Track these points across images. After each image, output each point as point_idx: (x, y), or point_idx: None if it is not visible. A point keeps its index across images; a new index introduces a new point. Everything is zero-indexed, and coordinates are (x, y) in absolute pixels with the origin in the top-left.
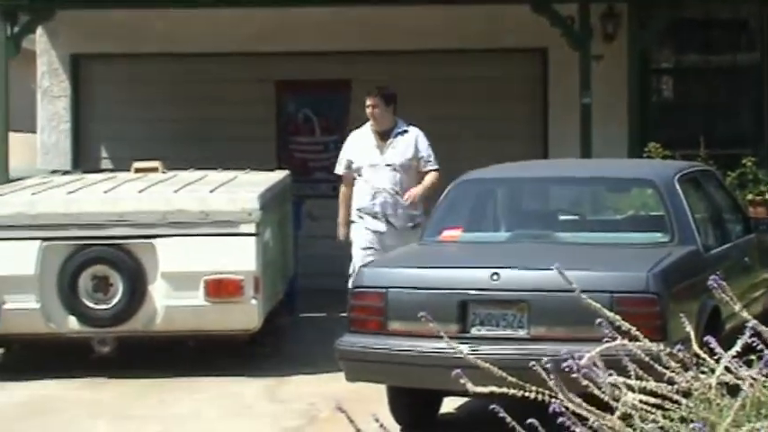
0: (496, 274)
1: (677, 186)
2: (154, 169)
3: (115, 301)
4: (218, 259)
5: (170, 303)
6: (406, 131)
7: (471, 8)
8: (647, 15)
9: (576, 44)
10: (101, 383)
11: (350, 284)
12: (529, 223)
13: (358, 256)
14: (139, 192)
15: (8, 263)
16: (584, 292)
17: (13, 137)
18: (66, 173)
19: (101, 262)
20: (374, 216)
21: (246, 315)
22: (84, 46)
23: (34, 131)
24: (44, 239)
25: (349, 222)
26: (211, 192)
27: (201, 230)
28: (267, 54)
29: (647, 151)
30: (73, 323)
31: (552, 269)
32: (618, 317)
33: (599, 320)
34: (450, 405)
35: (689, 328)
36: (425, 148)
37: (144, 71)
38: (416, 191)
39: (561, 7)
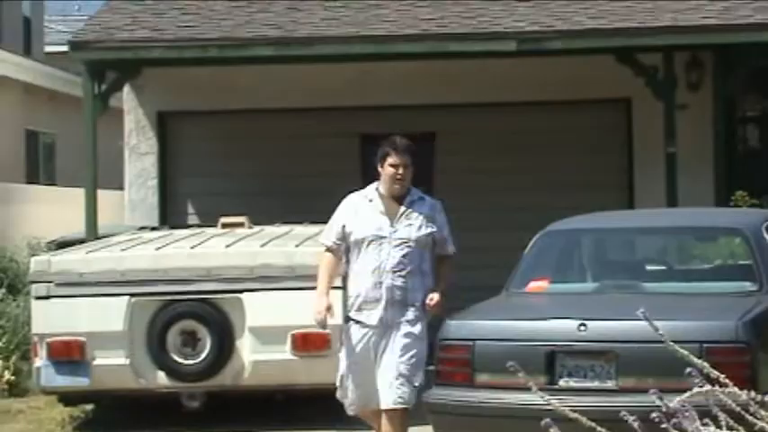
0: (584, 324)
1: (765, 234)
2: (240, 224)
3: (203, 355)
4: (305, 313)
5: (258, 358)
6: (422, 199)
7: (556, 60)
8: (732, 63)
9: (659, 94)
10: None
11: (337, 395)
12: (616, 273)
13: (347, 364)
14: (227, 246)
15: (98, 319)
16: (672, 342)
17: (102, 194)
18: (153, 229)
19: (189, 317)
20: (376, 302)
21: (334, 369)
22: (171, 103)
23: (122, 188)
24: (133, 295)
25: (346, 318)
26: (297, 246)
27: (288, 284)
28: (351, 108)
29: (734, 200)
30: (162, 378)
31: (639, 320)
32: (707, 364)
33: (689, 370)
34: None
35: None
36: (445, 224)
37: (229, 127)
38: (439, 296)
39: (645, 57)
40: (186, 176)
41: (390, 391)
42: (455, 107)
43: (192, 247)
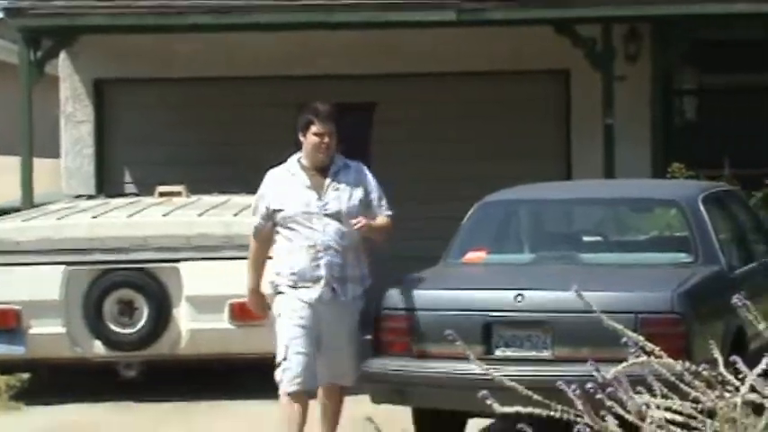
0: (520, 295)
1: (701, 206)
2: (177, 193)
3: (140, 324)
4: (242, 282)
5: (195, 327)
6: (347, 166)
7: (496, 30)
8: (670, 36)
9: (598, 65)
10: (126, 408)
11: (276, 377)
12: (553, 244)
13: (290, 335)
14: (163, 216)
15: (33, 288)
16: (608, 312)
17: (38, 162)
18: (90, 197)
19: (125, 286)
20: (315, 282)
21: (272, 338)
22: (108, 70)
23: (58, 157)
24: (69, 264)
25: (275, 291)
26: (235, 215)
27: (225, 254)
28: (291, 77)
29: (671, 172)
30: (98, 347)
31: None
32: (641, 337)
33: (624, 340)
34: (474, 426)
35: (714, 348)
36: (376, 189)
37: (166, 95)
38: (366, 222)
39: (583, 28)
40: (123, 145)
41: (335, 367)
42: (395, 77)
43: (128, 216)
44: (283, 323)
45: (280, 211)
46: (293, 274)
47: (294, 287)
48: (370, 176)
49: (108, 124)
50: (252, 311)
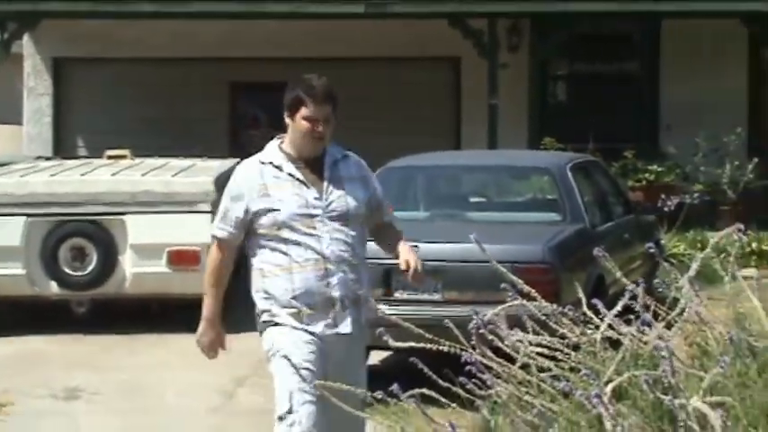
0: (416, 246)
1: (569, 174)
2: (124, 156)
3: (90, 268)
4: (179, 233)
5: (138, 270)
6: (346, 158)
7: (399, 22)
8: (547, 30)
9: (485, 54)
10: (78, 339)
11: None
12: (444, 204)
13: (295, 380)
14: (112, 175)
15: None
16: (490, 263)
17: (3, 128)
18: (48, 159)
19: (78, 235)
20: (327, 306)
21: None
22: (65, 51)
23: (21, 124)
24: (29, 215)
25: (269, 322)
26: (174, 176)
27: (165, 208)
28: (222, 59)
29: (544, 145)
30: (54, 287)
31: (463, 243)
32: (520, 281)
33: (503, 285)
34: (375, 358)
35: (578, 292)
36: (378, 184)
37: (116, 73)
38: (417, 260)
39: (473, 22)
40: (77, 114)
41: (340, 424)
42: (314, 60)
43: (81, 175)
44: (283, 365)
45: (268, 213)
46: (295, 298)
47: (297, 316)
48: (370, 170)
49: (64, 97)
50: (186, 258)
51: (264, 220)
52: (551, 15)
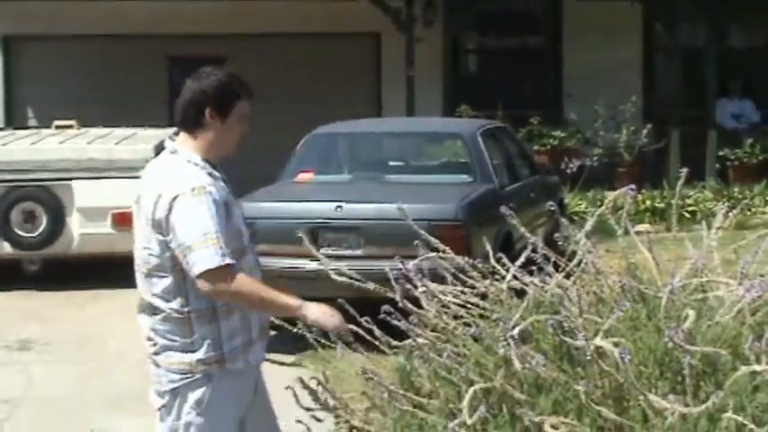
0: (340, 206)
1: (479, 139)
2: (70, 126)
3: (41, 229)
4: (122, 196)
5: (84, 231)
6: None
7: (325, 2)
8: (459, 7)
9: (402, 29)
10: (30, 295)
11: None
12: (366, 167)
13: None
14: (60, 143)
15: None
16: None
17: None
18: (0, 129)
19: (29, 199)
20: (248, 338)
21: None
22: (14, 28)
23: None
24: None
25: (203, 373)
26: (116, 144)
27: (109, 174)
28: (158, 36)
29: (458, 112)
30: (7, 248)
31: (382, 203)
32: (433, 238)
33: (416, 242)
34: None
35: (488, 247)
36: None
37: (62, 49)
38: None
39: (392, 2)
40: (27, 88)
41: None
42: (241, 36)
43: (31, 144)
44: (219, 425)
45: (232, 240)
46: (232, 336)
47: (232, 357)
48: None
49: (15, 72)
50: (129, 220)
51: (233, 244)
52: None
